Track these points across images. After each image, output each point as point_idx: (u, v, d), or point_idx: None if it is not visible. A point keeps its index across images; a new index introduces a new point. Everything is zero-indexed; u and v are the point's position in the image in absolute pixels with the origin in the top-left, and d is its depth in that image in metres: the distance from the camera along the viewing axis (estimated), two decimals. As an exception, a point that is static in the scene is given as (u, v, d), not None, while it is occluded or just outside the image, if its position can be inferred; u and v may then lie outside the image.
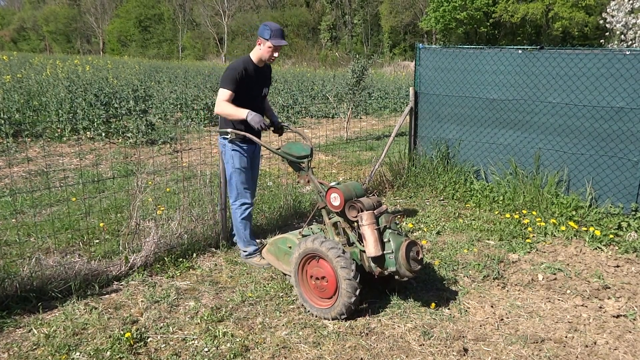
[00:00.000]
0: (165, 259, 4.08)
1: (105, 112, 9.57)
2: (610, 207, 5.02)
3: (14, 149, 8.05)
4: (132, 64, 27.20)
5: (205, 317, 3.29)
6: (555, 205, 5.16)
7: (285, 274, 3.88)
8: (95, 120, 9.21)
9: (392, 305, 3.50)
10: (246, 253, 4.22)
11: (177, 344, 3.03)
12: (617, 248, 4.57)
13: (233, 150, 4.00)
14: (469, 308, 3.52)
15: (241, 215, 4.15)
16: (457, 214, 5.44)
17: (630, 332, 3.25)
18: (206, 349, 2.97)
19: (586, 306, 3.57)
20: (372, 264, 3.25)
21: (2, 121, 8.47)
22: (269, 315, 3.37)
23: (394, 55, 45.67)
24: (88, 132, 9.34)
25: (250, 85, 3.96)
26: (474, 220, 5.24)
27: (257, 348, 3.00)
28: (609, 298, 3.67)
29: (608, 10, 13.19)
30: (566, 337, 3.17)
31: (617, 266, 4.21)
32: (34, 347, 2.96)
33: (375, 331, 3.19)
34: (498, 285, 3.87)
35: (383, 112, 15.04)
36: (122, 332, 3.04)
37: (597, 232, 4.68)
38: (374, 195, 3.55)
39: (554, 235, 4.85)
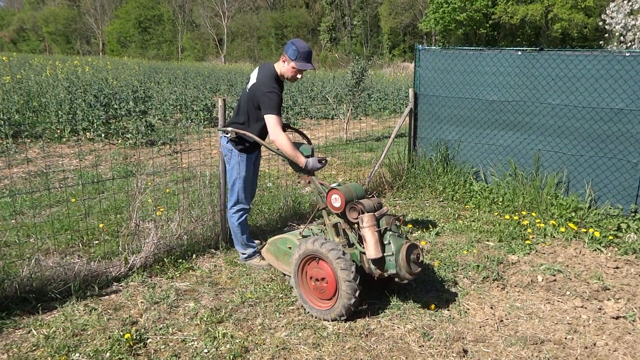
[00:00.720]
0: (164, 260, 4.08)
1: (104, 113, 9.57)
2: (610, 208, 5.02)
3: (13, 149, 8.05)
4: (131, 65, 27.20)
5: (205, 318, 3.29)
6: (555, 207, 5.17)
7: (284, 274, 3.88)
8: (95, 121, 9.21)
9: (391, 306, 3.50)
10: (245, 255, 4.22)
11: (176, 345, 3.03)
12: (616, 249, 4.57)
13: (240, 158, 3.99)
14: (468, 309, 3.52)
15: (238, 220, 4.14)
16: (456, 215, 5.44)
17: (629, 333, 3.25)
18: (206, 350, 2.97)
19: (586, 307, 3.57)
20: (372, 266, 3.25)
21: (2, 122, 8.47)
22: (269, 317, 3.37)
23: (394, 56, 45.70)
24: (88, 133, 9.34)
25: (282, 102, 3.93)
26: (473, 221, 5.24)
27: (257, 349, 3.00)
28: (608, 299, 3.67)
29: (607, 11, 13.22)
30: (566, 338, 3.17)
31: (617, 267, 4.21)
32: (34, 348, 2.96)
33: (374, 332, 3.19)
34: (498, 286, 3.87)
35: (382, 113, 15.04)
36: (121, 333, 3.04)
37: (597, 234, 4.68)
38: (374, 196, 3.53)
39: (554, 237, 4.85)
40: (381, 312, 3.43)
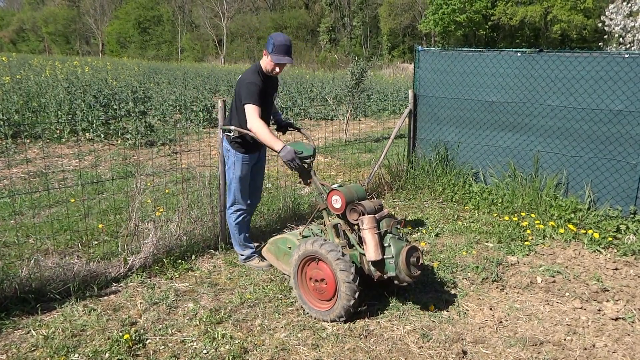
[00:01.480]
0: (164, 260, 4.07)
1: (104, 113, 9.57)
2: (609, 209, 5.02)
3: (13, 150, 8.04)
4: (131, 66, 27.20)
5: (204, 319, 3.29)
6: (554, 208, 5.17)
7: (284, 274, 3.88)
8: (95, 121, 9.21)
9: (391, 307, 3.50)
10: (243, 257, 4.22)
11: (175, 345, 3.03)
12: (615, 251, 4.58)
13: (236, 158, 3.99)
14: (467, 310, 3.52)
15: (235, 220, 4.14)
16: (455, 216, 5.44)
17: (628, 334, 3.25)
18: (205, 351, 2.97)
19: (585, 309, 3.57)
20: (372, 268, 3.25)
21: (2, 122, 8.47)
22: (268, 317, 3.37)
23: (393, 57, 45.73)
24: (87, 134, 9.34)
25: (264, 94, 3.92)
26: (472, 222, 5.25)
27: (256, 350, 3.00)
28: (607, 301, 3.67)
29: (607, 13, 13.24)
30: (565, 339, 3.18)
31: (616, 269, 4.22)
32: (33, 349, 2.95)
33: (374, 333, 3.19)
34: (497, 287, 3.87)
35: (382, 114, 15.05)
36: (120, 334, 3.04)
37: (596, 235, 4.68)
38: (375, 198, 3.54)
39: (553, 238, 4.85)
40: (380, 313, 3.43)
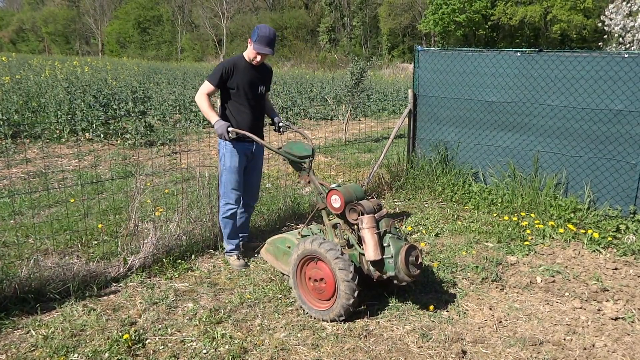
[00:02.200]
0: (163, 260, 4.08)
1: (104, 113, 9.57)
2: (609, 209, 5.02)
3: (12, 150, 8.04)
4: (131, 66, 27.20)
5: (204, 319, 3.29)
6: (554, 208, 5.17)
7: (283, 274, 3.88)
8: (94, 121, 9.21)
9: (390, 307, 3.50)
10: (225, 250, 4.29)
11: (175, 345, 3.03)
12: (615, 250, 4.58)
13: (226, 149, 3.99)
14: (467, 310, 3.52)
15: (223, 214, 4.16)
16: (455, 216, 5.44)
17: (628, 334, 3.25)
18: (204, 351, 2.97)
19: (584, 309, 3.57)
20: (371, 268, 3.25)
21: (1, 122, 8.46)
22: (268, 317, 3.37)
23: (393, 57, 45.72)
24: (87, 134, 9.34)
25: (241, 82, 3.94)
26: (472, 222, 5.25)
27: (256, 350, 3.00)
28: (607, 300, 3.67)
29: (606, 13, 13.25)
30: (564, 339, 3.18)
31: (616, 269, 4.22)
32: (32, 349, 2.95)
33: (373, 333, 3.19)
34: (496, 287, 3.87)
35: (382, 114, 15.06)
36: (120, 334, 3.04)
37: (596, 235, 4.69)
38: (374, 197, 3.54)
39: (553, 238, 4.85)
40: (380, 313, 3.43)
